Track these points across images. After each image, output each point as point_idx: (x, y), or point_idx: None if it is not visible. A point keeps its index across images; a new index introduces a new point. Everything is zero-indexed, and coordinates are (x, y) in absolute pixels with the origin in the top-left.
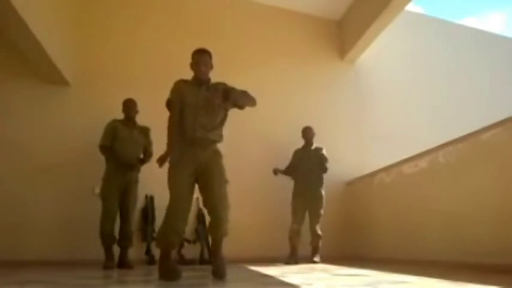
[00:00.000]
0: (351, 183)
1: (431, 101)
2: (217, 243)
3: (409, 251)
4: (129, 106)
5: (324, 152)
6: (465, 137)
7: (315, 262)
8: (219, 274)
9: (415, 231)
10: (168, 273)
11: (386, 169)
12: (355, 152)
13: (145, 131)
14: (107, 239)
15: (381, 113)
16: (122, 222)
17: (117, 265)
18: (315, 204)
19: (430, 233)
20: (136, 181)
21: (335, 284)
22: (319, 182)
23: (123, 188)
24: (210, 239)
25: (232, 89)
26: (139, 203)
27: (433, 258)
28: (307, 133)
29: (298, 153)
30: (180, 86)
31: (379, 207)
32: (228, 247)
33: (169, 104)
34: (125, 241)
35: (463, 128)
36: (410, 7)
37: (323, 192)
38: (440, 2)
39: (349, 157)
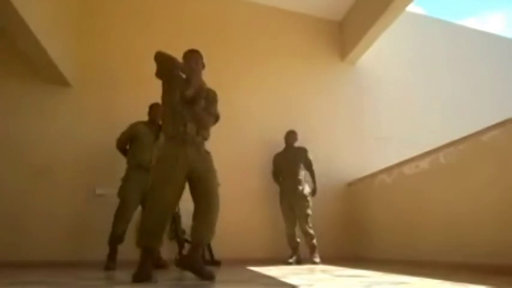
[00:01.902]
0: (351, 184)
1: (432, 101)
2: (200, 248)
3: (410, 251)
4: (156, 110)
5: (309, 154)
6: (466, 137)
7: (315, 263)
8: (208, 276)
9: (416, 232)
10: (142, 274)
11: (387, 170)
12: (356, 152)
13: None
14: (115, 239)
15: (382, 114)
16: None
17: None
18: (300, 205)
19: (431, 233)
20: None
21: (336, 284)
22: (302, 182)
23: (145, 190)
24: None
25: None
26: None
27: (433, 259)
28: (291, 137)
29: (278, 157)
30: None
31: (380, 208)
32: (228, 248)
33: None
34: None
35: (464, 129)
36: (411, 8)
37: (307, 191)
38: (441, 2)
39: (350, 158)
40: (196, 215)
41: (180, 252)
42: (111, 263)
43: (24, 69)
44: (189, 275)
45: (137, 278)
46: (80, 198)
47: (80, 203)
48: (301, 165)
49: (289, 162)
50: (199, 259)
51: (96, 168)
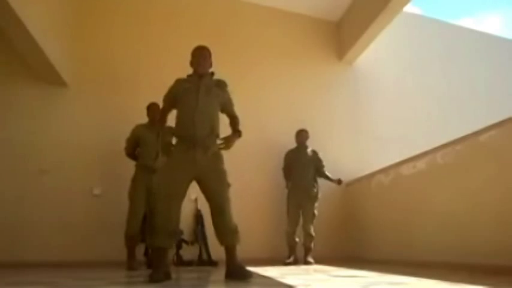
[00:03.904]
0: (349, 185)
1: (430, 102)
2: (231, 252)
3: (407, 252)
4: (154, 110)
5: (321, 156)
6: (463, 138)
7: (309, 263)
8: (242, 275)
9: (413, 233)
10: (159, 274)
11: (384, 170)
12: (353, 153)
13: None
14: (131, 239)
15: (379, 114)
16: (149, 224)
17: (147, 265)
18: (308, 205)
19: (428, 234)
20: None
21: (333, 285)
22: (313, 183)
23: (151, 191)
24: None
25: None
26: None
27: (431, 259)
28: (302, 135)
29: (290, 155)
30: (176, 87)
31: (377, 208)
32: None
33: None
34: None
35: (461, 129)
36: (408, 8)
37: (317, 192)
38: (438, 2)
39: (347, 158)
40: (212, 219)
41: (177, 253)
42: (132, 262)
43: (21, 69)
44: (186, 274)
45: (154, 278)
46: (77, 199)
47: (77, 203)
48: (313, 166)
49: (302, 162)
50: (238, 262)
51: (93, 168)
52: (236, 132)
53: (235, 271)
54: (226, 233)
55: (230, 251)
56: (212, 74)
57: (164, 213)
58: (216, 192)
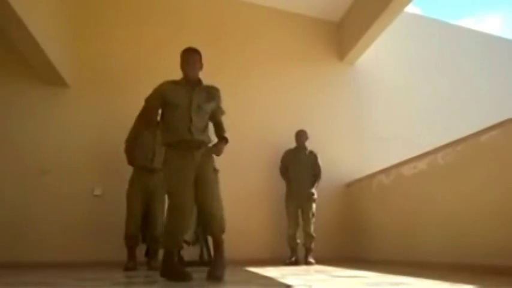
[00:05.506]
0: (350, 185)
1: (430, 102)
2: (216, 242)
3: (408, 252)
4: None
5: (319, 160)
6: (464, 138)
7: (310, 263)
8: (213, 276)
9: (414, 233)
10: (179, 274)
11: (385, 171)
12: (355, 153)
13: None
14: (130, 240)
15: (380, 114)
16: (149, 225)
17: (148, 266)
18: (306, 205)
19: (429, 234)
20: (162, 184)
21: (334, 285)
22: (310, 184)
23: (148, 191)
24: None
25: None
26: None
27: (432, 260)
28: (301, 136)
29: (289, 154)
30: (164, 87)
31: (378, 208)
32: (227, 249)
33: (146, 101)
34: (154, 244)
35: (462, 130)
36: (408, 8)
37: (315, 193)
38: (438, 2)
39: (348, 159)
40: (199, 206)
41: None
42: (131, 263)
43: (22, 70)
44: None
45: (164, 275)
46: (77, 199)
47: (78, 203)
48: (311, 167)
49: (300, 163)
50: (220, 263)
51: (94, 169)
52: (223, 139)
53: (211, 270)
54: (213, 223)
55: (216, 245)
56: (200, 81)
57: (179, 220)
58: (208, 186)
